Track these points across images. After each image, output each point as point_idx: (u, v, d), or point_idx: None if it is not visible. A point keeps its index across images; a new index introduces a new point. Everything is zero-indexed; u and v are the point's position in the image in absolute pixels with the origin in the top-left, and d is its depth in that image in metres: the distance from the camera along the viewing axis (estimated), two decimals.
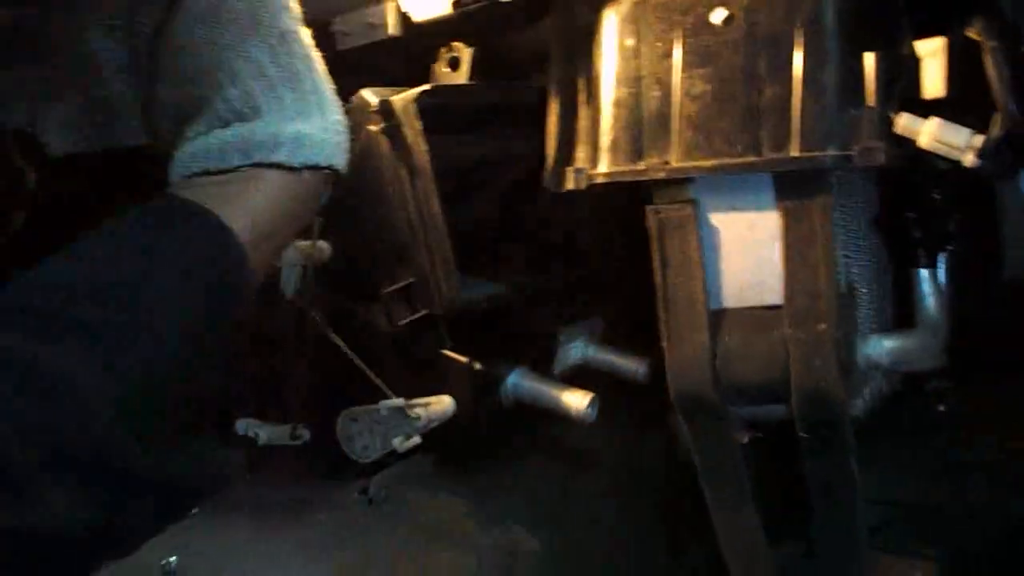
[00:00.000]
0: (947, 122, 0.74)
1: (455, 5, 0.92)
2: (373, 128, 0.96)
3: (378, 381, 0.96)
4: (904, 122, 0.75)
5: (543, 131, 0.93)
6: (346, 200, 0.92)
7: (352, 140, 0.76)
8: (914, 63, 0.77)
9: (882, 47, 0.77)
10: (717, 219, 0.85)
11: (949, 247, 0.89)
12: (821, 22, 0.79)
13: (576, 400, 0.93)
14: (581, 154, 0.92)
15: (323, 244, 0.97)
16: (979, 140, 0.72)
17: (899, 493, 1.09)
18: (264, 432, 1.03)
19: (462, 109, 0.99)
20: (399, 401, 0.92)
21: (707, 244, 0.85)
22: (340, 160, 0.72)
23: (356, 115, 0.95)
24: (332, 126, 0.72)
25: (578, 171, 0.91)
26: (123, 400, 0.53)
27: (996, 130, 0.72)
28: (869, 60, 0.77)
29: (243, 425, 1.04)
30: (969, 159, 0.73)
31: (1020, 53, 0.74)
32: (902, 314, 0.91)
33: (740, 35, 0.82)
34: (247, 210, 0.64)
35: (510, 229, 1.06)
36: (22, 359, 0.51)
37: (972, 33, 0.75)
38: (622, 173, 0.87)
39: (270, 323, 1.04)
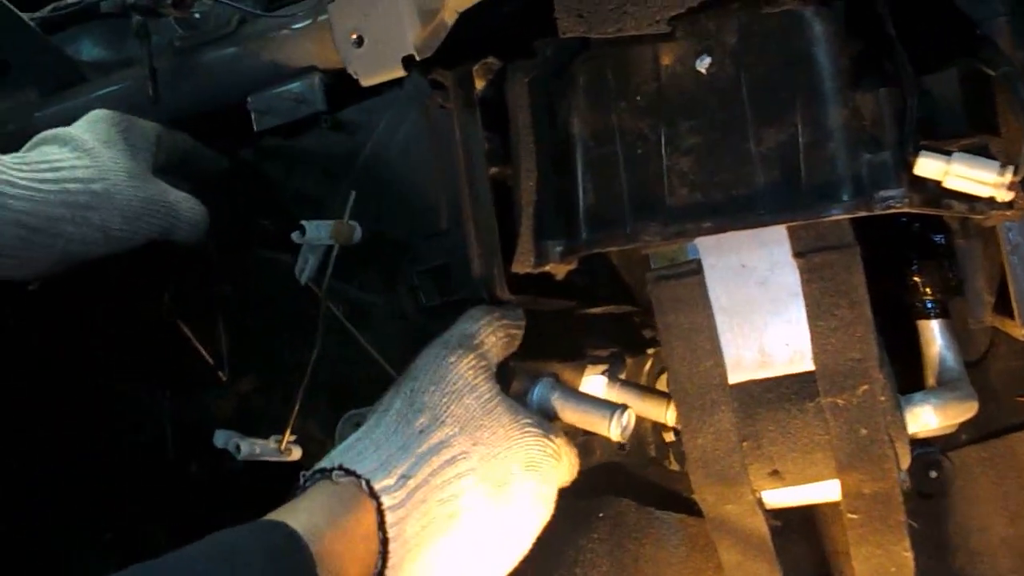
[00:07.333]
0: (973, 156, 0.70)
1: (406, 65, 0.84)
2: (430, 103, 0.89)
3: (393, 372, 0.87)
4: (924, 162, 0.71)
5: None
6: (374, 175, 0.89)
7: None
8: (925, 100, 0.73)
9: (887, 84, 0.74)
10: (725, 280, 0.79)
11: (959, 294, 0.86)
12: (813, 62, 0.75)
13: (609, 415, 0.81)
14: (559, 225, 0.83)
15: (354, 224, 0.89)
16: (1009, 172, 0.69)
17: None
18: (246, 445, 0.89)
19: None
20: None
21: (718, 310, 0.78)
22: None
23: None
24: None
25: (558, 245, 0.82)
26: None
27: None
28: (875, 99, 0.74)
29: (222, 437, 0.91)
30: (1003, 194, 0.69)
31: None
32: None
33: (728, 81, 0.77)
34: None
35: None
36: None
37: (979, 64, 0.73)
38: (608, 241, 0.80)
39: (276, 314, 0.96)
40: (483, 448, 0.75)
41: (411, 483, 0.71)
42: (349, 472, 0.71)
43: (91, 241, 0.85)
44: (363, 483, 0.70)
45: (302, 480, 0.72)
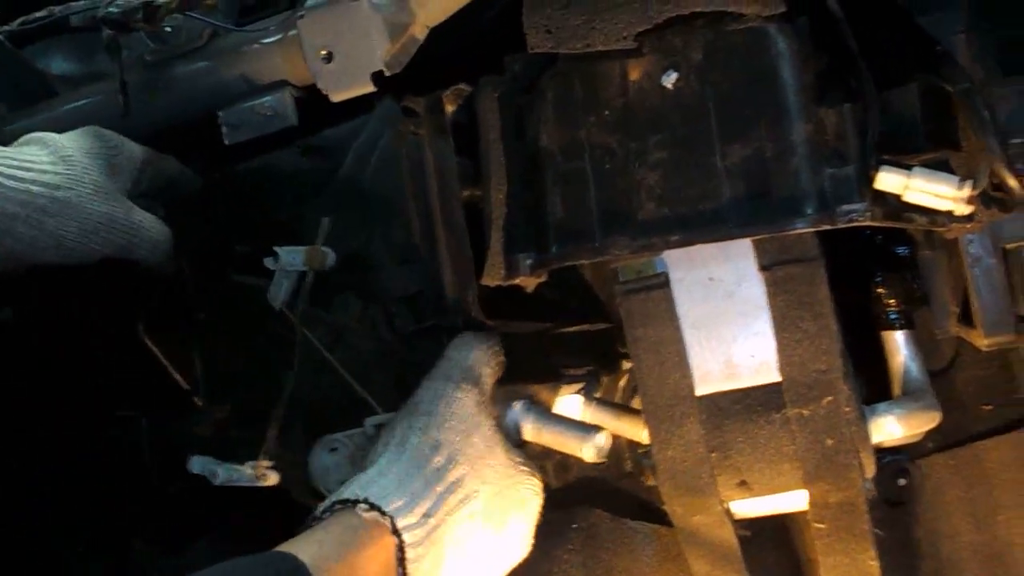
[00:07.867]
0: (932, 170, 0.72)
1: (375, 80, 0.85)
2: (402, 129, 0.90)
3: (368, 397, 0.88)
4: (884, 176, 0.73)
5: None
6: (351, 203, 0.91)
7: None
8: (887, 115, 0.75)
9: (849, 100, 0.75)
10: (693, 293, 0.80)
11: (924, 305, 0.87)
12: (777, 77, 0.77)
13: (585, 438, 0.82)
14: (528, 238, 0.84)
15: (328, 250, 0.90)
16: (968, 187, 0.71)
17: None
18: (222, 472, 0.89)
19: None
20: (388, 416, 0.83)
21: (685, 322, 0.79)
22: None
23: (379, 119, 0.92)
24: None
25: (528, 258, 0.83)
26: None
27: (983, 174, 0.70)
28: (838, 114, 0.75)
29: (199, 463, 0.91)
30: (962, 208, 0.71)
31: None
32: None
33: (694, 97, 0.78)
34: None
35: None
36: None
37: (939, 80, 0.74)
38: (577, 254, 0.81)
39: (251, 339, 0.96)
40: (489, 487, 0.78)
41: (431, 522, 0.73)
42: (374, 507, 0.72)
43: (41, 246, 0.85)
44: (388, 520, 0.71)
45: (319, 511, 0.73)
